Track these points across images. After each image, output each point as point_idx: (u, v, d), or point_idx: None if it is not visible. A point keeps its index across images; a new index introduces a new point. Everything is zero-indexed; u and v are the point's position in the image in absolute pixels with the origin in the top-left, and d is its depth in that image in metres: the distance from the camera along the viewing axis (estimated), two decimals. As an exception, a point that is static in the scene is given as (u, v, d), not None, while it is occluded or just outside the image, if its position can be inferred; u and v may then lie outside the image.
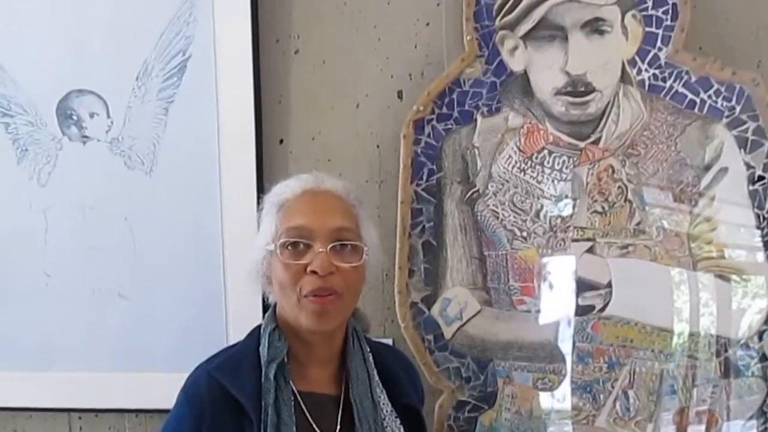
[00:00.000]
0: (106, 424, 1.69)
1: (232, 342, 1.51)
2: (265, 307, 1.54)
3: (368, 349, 1.30)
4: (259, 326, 1.27)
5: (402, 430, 1.27)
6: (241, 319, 1.57)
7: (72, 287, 1.63)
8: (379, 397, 1.27)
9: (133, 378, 1.63)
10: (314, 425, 1.21)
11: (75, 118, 1.61)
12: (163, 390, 1.60)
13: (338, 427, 1.23)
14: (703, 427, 1.55)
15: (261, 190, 1.55)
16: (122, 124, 1.60)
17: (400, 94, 1.61)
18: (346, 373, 1.26)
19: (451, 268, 1.58)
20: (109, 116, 1.61)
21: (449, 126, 1.57)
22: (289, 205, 1.23)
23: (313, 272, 1.17)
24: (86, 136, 1.62)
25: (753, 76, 1.51)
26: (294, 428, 1.18)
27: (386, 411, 1.26)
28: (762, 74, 1.51)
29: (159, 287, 1.61)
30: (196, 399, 1.20)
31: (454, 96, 1.56)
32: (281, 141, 1.63)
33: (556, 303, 1.56)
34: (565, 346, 1.55)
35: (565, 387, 1.56)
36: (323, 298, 1.18)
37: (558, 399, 1.57)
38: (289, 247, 1.20)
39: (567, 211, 1.54)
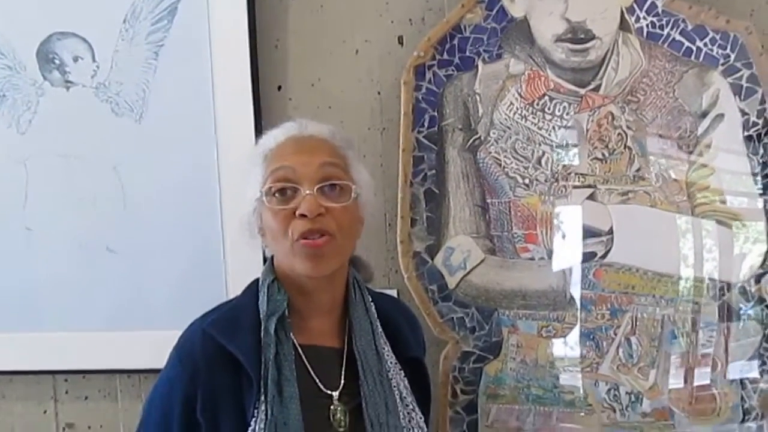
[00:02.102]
0: (95, 387, 1.76)
1: (231, 296, 1.61)
2: (266, 261, 1.67)
3: (370, 300, 1.38)
4: (257, 280, 1.34)
5: (406, 383, 1.36)
6: (240, 273, 1.64)
7: (56, 242, 1.70)
8: (383, 348, 1.35)
9: (125, 337, 1.70)
10: (317, 380, 1.29)
11: (57, 62, 1.69)
12: (158, 348, 1.68)
13: (342, 380, 1.30)
14: (703, 370, 1.74)
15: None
16: (109, 69, 1.69)
17: (400, 40, 1.75)
18: (348, 325, 1.33)
19: (453, 217, 1.73)
20: (94, 60, 1.69)
21: (450, 72, 1.72)
22: (273, 153, 1.31)
23: (302, 215, 1.24)
24: (70, 81, 1.69)
25: (746, 24, 1.71)
26: (296, 384, 1.24)
27: (390, 363, 1.35)
28: (755, 23, 1.71)
29: (151, 241, 1.70)
30: (190, 358, 1.26)
31: (455, 42, 1.72)
32: (279, 88, 1.75)
33: (559, 250, 1.72)
34: (571, 293, 1.72)
35: (572, 335, 1.73)
36: (316, 241, 1.24)
37: (563, 347, 1.74)
38: (276, 194, 1.27)
39: (568, 159, 1.72)
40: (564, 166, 1.72)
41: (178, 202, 1.70)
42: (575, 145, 1.72)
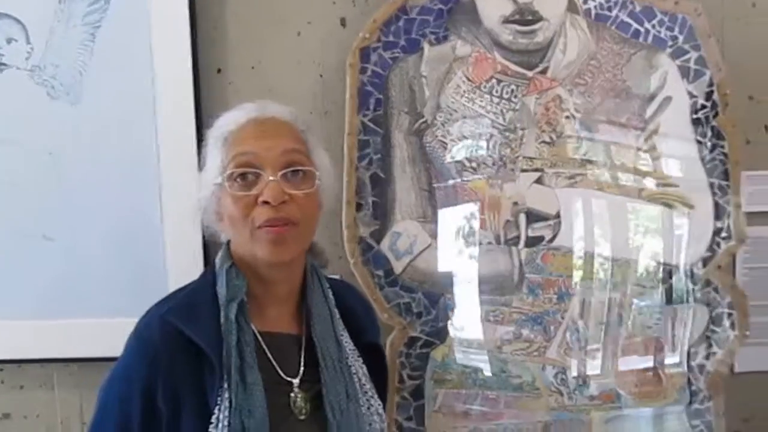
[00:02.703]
0: (31, 376, 1.76)
1: (172, 283, 1.63)
2: (206, 246, 1.68)
3: (327, 286, 1.38)
4: (213, 266, 1.33)
5: (365, 369, 1.37)
6: (180, 260, 1.68)
7: (-9, 230, 1.70)
8: (342, 335, 1.36)
9: (61, 325, 1.70)
10: (277, 367, 1.28)
11: (-10, 44, 1.68)
12: (95, 337, 1.71)
13: (301, 367, 1.30)
14: (650, 353, 1.78)
15: (200, 122, 1.67)
16: (44, 51, 1.67)
17: (343, 21, 1.75)
18: (306, 312, 1.34)
19: (399, 201, 1.74)
20: (28, 42, 1.67)
21: (396, 54, 1.72)
22: (234, 136, 1.29)
23: (265, 202, 1.23)
24: (3, 64, 1.68)
25: (695, 6, 1.72)
26: (258, 371, 1.24)
27: (349, 350, 1.36)
28: (704, 4, 1.72)
29: (89, 228, 1.69)
30: (150, 345, 1.24)
31: (401, 23, 1.71)
32: (219, 70, 1.74)
33: (506, 234, 1.75)
34: (516, 278, 1.76)
35: (516, 319, 1.76)
36: (278, 228, 1.23)
37: (509, 331, 1.77)
38: (238, 179, 1.25)
39: (515, 142, 1.74)
40: (511, 149, 1.75)
41: (117, 187, 1.69)
42: (523, 129, 1.73)
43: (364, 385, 1.36)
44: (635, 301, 1.76)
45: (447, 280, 1.75)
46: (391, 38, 1.72)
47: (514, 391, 1.75)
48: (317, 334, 1.32)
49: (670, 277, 1.77)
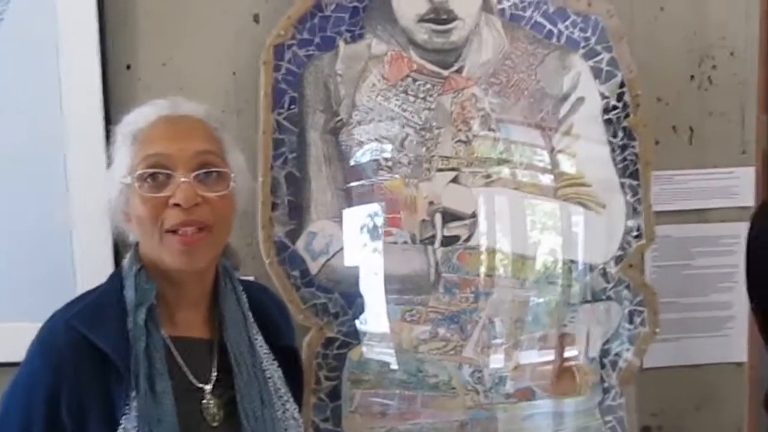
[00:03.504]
0: None
1: (81, 285, 1.60)
2: (117, 247, 1.69)
3: (241, 288, 1.37)
4: (121, 269, 1.31)
5: (281, 373, 1.37)
6: (90, 260, 1.67)
7: None
8: (256, 338, 1.35)
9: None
10: (188, 373, 1.28)
11: None
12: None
13: (214, 373, 1.30)
14: (565, 350, 1.86)
15: (108, 120, 1.65)
16: (-60, 43, 1.66)
17: (256, 18, 1.76)
18: (219, 315, 1.33)
19: (315, 201, 1.75)
20: (-75, 36, 1.66)
21: (311, 52, 1.74)
22: (145, 134, 1.27)
23: (176, 205, 1.21)
24: None
25: (607, 7, 1.79)
26: (168, 378, 1.23)
27: (264, 354, 1.35)
28: (615, 6, 1.80)
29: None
30: (54, 351, 1.22)
31: (316, 21, 1.73)
32: (128, 66, 1.73)
33: (422, 234, 1.79)
34: (432, 277, 1.81)
35: (433, 319, 1.81)
36: (190, 237, 1.22)
37: (426, 331, 1.83)
38: (148, 179, 1.23)
39: (431, 141, 1.80)
40: (427, 148, 1.79)
41: (22, 185, 1.67)
42: (439, 128, 1.77)
43: (279, 389, 1.36)
44: (550, 299, 1.83)
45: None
46: (305, 35, 1.73)
47: (431, 391, 1.79)
48: (230, 338, 1.31)
49: (585, 276, 1.84)
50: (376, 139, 1.77)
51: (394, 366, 1.78)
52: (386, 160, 1.77)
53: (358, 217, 1.77)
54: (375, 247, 1.78)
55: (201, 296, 1.33)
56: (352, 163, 1.77)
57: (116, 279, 1.31)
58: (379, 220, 1.76)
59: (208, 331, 1.33)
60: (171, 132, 1.28)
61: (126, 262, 1.31)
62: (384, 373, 1.79)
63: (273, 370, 1.36)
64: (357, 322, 1.77)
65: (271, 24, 1.73)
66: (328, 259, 1.77)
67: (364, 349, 1.78)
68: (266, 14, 1.76)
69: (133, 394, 1.21)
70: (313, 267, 1.77)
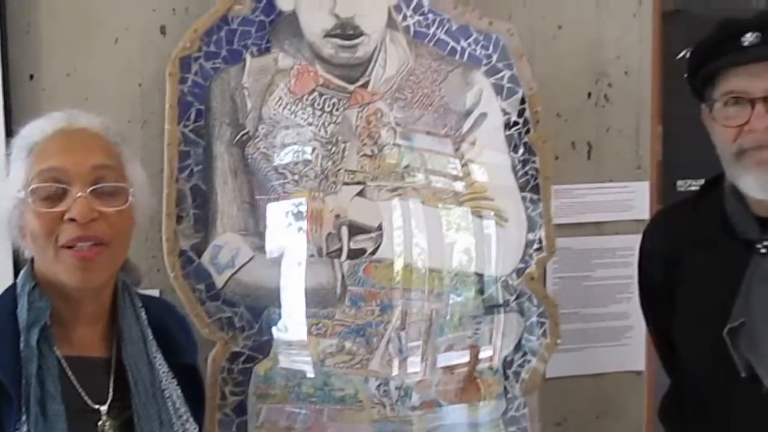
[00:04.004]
0: None
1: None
2: (17, 263, 1.67)
3: (140, 305, 1.36)
4: (14, 286, 1.29)
5: (180, 392, 1.36)
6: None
7: None
8: (155, 357, 1.33)
9: None
10: (83, 394, 1.26)
11: None
12: None
13: (111, 393, 1.28)
14: (468, 363, 1.93)
15: (9, 132, 1.63)
16: None
17: (163, 30, 1.77)
18: (117, 333, 1.31)
19: (221, 214, 1.76)
20: None
21: (217, 65, 1.76)
22: (40, 148, 1.26)
23: (72, 220, 1.20)
24: None
25: (508, 26, 1.87)
26: (60, 401, 1.21)
27: (163, 372, 1.34)
28: (516, 25, 1.88)
29: None
30: None
31: (222, 34, 1.75)
32: (32, 77, 1.72)
33: (328, 247, 1.83)
34: (338, 290, 1.85)
35: (339, 332, 1.84)
36: (85, 252, 1.21)
37: (332, 344, 1.87)
38: (43, 194, 1.22)
39: (337, 155, 1.86)
40: (333, 162, 1.83)
41: None
42: (345, 142, 1.81)
43: (179, 408, 1.35)
44: (455, 311, 1.88)
45: (270, 294, 1.79)
46: (212, 48, 1.75)
47: (338, 404, 1.81)
48: (128, 356, 1.30)
49: (488, 288, 1.90)
50: (283, 152, 1.81)
51: (311, 375, 1.81)
52: (292, 173, 1.82)
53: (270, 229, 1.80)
54: (282, 260, 1.81)
55: (99, 314, 1.32)
56: (258, 176, 1.80)
57: (8, 297, 1.28)
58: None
59: (106, 350, 1.32)
60: (67, 146, 1.27)
61: (20, 279, 1.30)
62: (290, 388, 1.81)
63: (172, 389, 1.35)
64: (275, 330, 1.80)
65: (178, 36, 1.75)
66: (234, 273, 1.78)
67: (281, 359, 1.81)
68: (173, 26, 1.78)
69: (24, 418, 1.19)
70: (219, 280, 1.78)
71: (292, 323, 1.83)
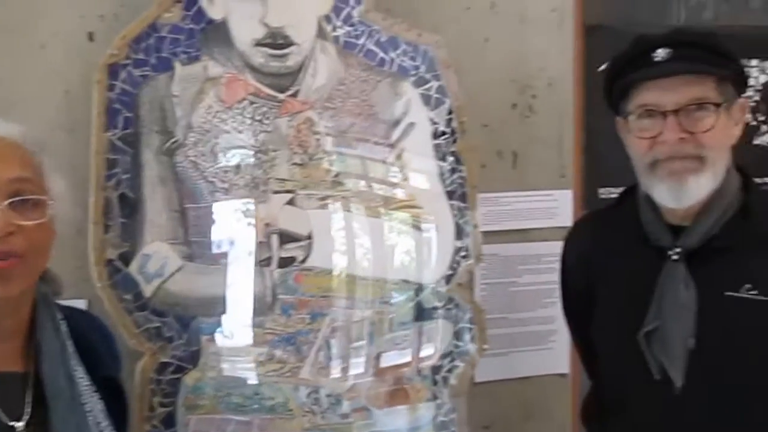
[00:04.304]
0: None
1: None
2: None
3: (61, 317, 1.31)
4: None
5: (102, 405, 1.31)
6: None
7: None
8: (75, 370, 1.28)
9: None
10: None
11: None
12: None
13: (28, 409, 1.24)
14: (399, 369, 1.93)
15: None
16: None
17: (90, 36, 1.74)
18: (35, 346, 1.26)
19: (150, 222, 1.74)
20: None
21: (146, 72, 1.73)
22: None
23: None
24: None
25: (435, 38, 1.89)
26: None
27: (84, 386, 1.29)
28: (443, 37, 1.90)
29: None
30: None
31: (151, 41, 1.73)
32: None
33: (258, 256, 1.81)
34: (271, 299, 1.83)
35: (269, 341, 1.84)
36: (3, 262, 1.17)
37: (262, 353, 1.85)
38: None
39: (267, 164, 1.84)
40: (263, 171, 1.80)
41: None
42: (275, 150, 1.80)
43: (100, 423, 1.30)
44: (384, 318, 1.88)
45: (199, 303, 1.77)
46: (141, 56, 1.73)
47: (268, 414, 1.79)
48: (45, 370, 1.25)
49: (417, 295, 1.91)
50: (212, 161, 1.79)
51: (254, 381, 1.80)
52: (222, 182, 1.79)
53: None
54: (214, 269, 1.79)
55: (17, 328, 1.27)
56: (188, 184, 1.78)
57: None
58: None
59: (23, 364, 1.27)
60: None
61: None
62: (220, 398, 1.78)
63: (94, 403, 1.31)
64: (204, 340, 1.77)
65: (106, 42, 1.72)
66: (163, 282, 1.76)
67: (210, 369, 1.78)
68: (101, 33, 1.75)
69: None
70: (147, 290, 1.75)
71: (222, 332, 1.79)
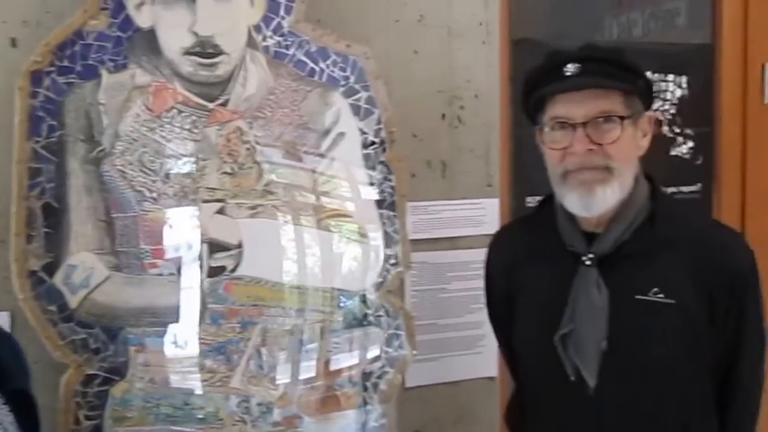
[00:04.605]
0: None
1: None
2: None
3: None
4: None
5: (12, 417, 1.28)
6: None
7: None
8: None
9: None
10: None
11: None
12: None
13: None
14: (330, 376, 1.91)
15: None
16: None
17: (13, 42, 1.69)
18: None
19: (75, 232, 1.69)
20: None
21: (72, 80, 1.68)
22: None
23: None
24: None
25: (364, 49, 1.88)
26: None
27: None
28: (373, 48, 1.90)
29: None
30: None
31: (77, 48, 1.68)
32: None
33: (188, 265, 1.78)
34: (197, 309, 1.79)
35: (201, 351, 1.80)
36: None
37: (192, 363, 1.82)
38: None
39: (197, 173, 1.80)
40: (193, 180, 1.77)
41: None
42: (204, 159, 1.76)
43: None
44: (315, 326, 1.86)
45: (127, 314, 1.73)
46: (66, 63, 1.68)
47: (198, 424, 1.76)
48: None
49: (347, 303, 1.89)
50: (140, 170, 1.75)
51: (199, 392, 1.77)
52: (150, 191, 1.75)
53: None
54: (142, 279, 1.75)
55: None
56: (115, 193, 1.73)
57: None
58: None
59: None
60: None
61: None
62: (149, 409, 1.75)
63: (3, 415, 1.27)
64: (133, 351, 1.73)
65: (30, 49, 1.67)
66: (89, 293, 1.71)
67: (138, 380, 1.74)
68: (25, 39, 1.70)
69: None
70: (73, 301, 1.70)
71: (151, 343, 1.76)
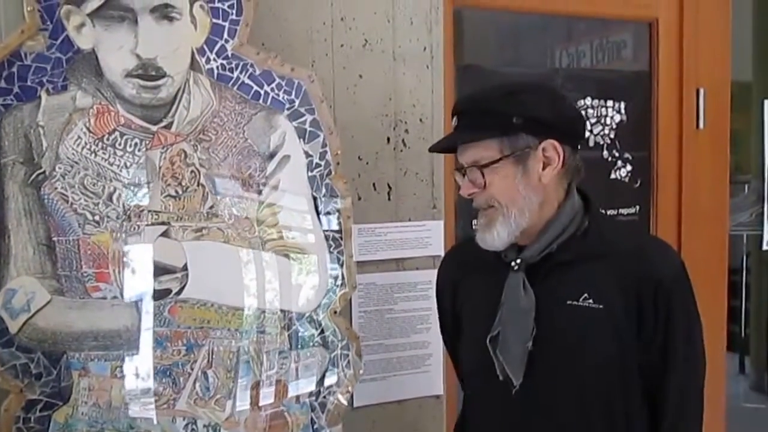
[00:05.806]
0: None
1: None
2: None
3: None
4: None
5: None
6: None
7: None
8: None
9: None
10: None
11: None
12: None
13: None
14: (277, 397, 1.80)
15: None
16: None
17: None
18: None
19: (15, 256, 1.59)
20: None
21: (9, 102, 1.58)
22: None
23: None
24: None
25: (309, 73, 1.81)
26: None
27: None
28: (316, 72, 1.83)
29: None
30: None
31: (15, 69, 1.58)
32: None
33: (132, 288, 1.66)
34: (143, 332, 1.69)
35: (144, 373, 1.70)
36: None
37: (137, 386, 1.70)
38: None
39: (140, 196, 1.70)
40: (136, 203, 1.68)
41: None
42: (148, 182, 1.67)
43: None
44: (261, 348, 1.77)
45: (69, 338, 1.62)
46: (3, 84, 1.58)
47: (144, 447, 1.67)
48: None
49: (293, 324, 1.80)
50: (82, 193, 1.64)
51: (145, 415, 1.67)
52: (93, 214, 1.65)
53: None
54: (84, 303, 1.64)
55: None
56: (56, 217, 1.62)
57: None
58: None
59: None
60: None
61: None
62: (93, 433, 1.64)
63: None
64: (75, 375, 1.61)
65: (-34, 71, 1.56)
66: (30, 317, 1.60)
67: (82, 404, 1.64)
68: (-39, 61, 1.59)
69: None
70: (13, 326, 1.60)
71: (94, 367, 1.65)
